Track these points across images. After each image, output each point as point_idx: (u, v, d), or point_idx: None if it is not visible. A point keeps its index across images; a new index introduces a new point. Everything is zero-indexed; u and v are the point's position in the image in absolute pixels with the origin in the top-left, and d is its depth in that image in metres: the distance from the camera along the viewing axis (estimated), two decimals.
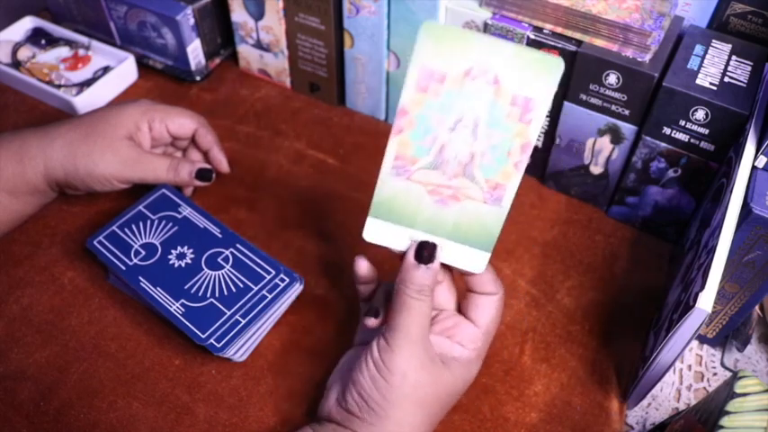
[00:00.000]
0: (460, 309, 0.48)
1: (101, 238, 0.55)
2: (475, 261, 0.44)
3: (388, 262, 0.50)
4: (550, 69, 0.39)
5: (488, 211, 0.43)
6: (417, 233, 0.44)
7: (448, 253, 0.44)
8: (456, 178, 0.42)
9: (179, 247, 0.55)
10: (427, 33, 0.39)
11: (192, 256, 0.55)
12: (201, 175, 0.59)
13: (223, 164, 0.62)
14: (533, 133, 0.41)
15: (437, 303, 0.48)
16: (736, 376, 0.40)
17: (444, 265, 0.45)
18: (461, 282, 0.47)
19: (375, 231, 0.44)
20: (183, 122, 0.60)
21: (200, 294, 0.52)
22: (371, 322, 0.45)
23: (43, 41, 0.77)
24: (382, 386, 0.42)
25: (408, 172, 0.43)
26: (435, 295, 0.47)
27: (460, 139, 0.41)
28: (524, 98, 0.40)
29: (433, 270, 0.43)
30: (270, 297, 0.52)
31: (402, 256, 0.44)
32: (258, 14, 0.70)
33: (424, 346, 0.43)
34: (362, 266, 0.47)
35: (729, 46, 0.55)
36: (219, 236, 0.56)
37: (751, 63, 0.54)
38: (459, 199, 0.43)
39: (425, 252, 0.43)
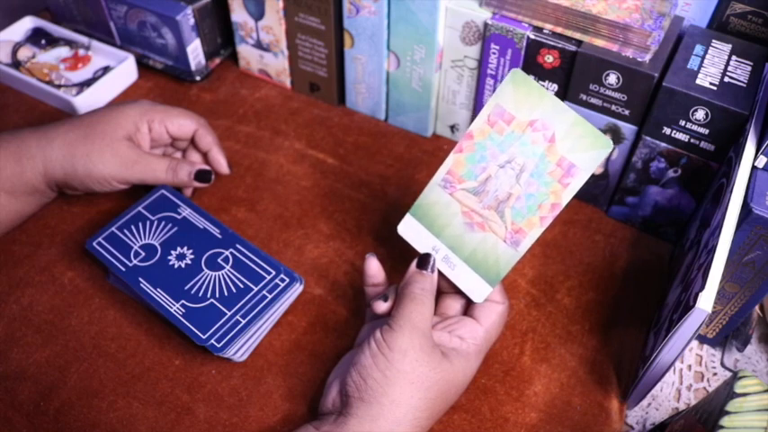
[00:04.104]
0: (466, 312, 0.50)
1: (100, 239, 0.55)
2: (478, 290, 0.48)
3: (387, 261, 0.50)
4: (599, 146, 0.44)
5: (504, 251, 0.46)
6: (441, 245, 0.48)
7: (459, 273, 0.48)
8: (488, 210, 0.47)
9: (179, 248, 0.55)
10: (512, 79, 0.45)
11: (192, 256, 0.55)
12: (200, 176, 0.59)
13: (222, 165, 0.62)
14: (566, 197, 0.45)
15: (449, 311, 0.50)
16: (736, 376, 0.40)
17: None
18: None
19: (408, 228, 0.50)
20: (182, 123, 0.60)
21: (200, 295, 0.52)
22: (381, 306, 0.47)
23: (43, 41, 0.77)
24: (382, 363, 0.43)
25: (453, 188, 0.48)
26: (448, 305, 0.50)
27: (506, 177, 0.46)
28: (569, 163, 0.44)
29: (431, 277, 0.47)
30: (270, 297, 0.52)
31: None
32: (258, 14, 0.70)
33: (424, 332, 0.45)
34: (373, 265, 0.50)
35: (729, 46, 0.55)
36: (219, 236, 0.56)
37: (751, 63, 0.54)
38: (485, 229, 0.47)
39: (427, 262, 0.48)
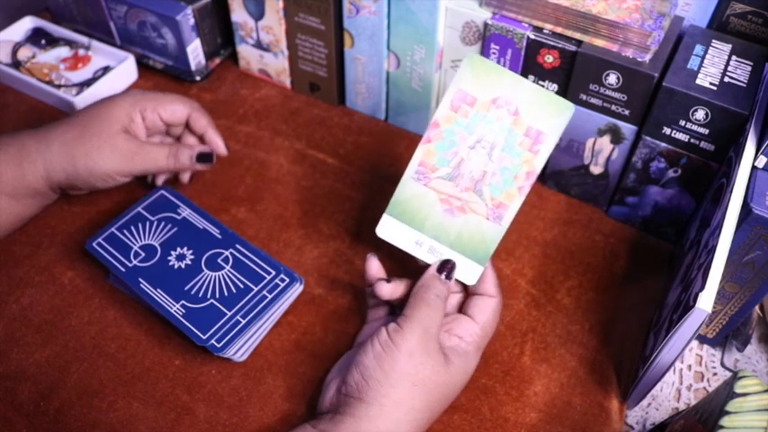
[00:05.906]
0: (461, 309, 0.50)
1: (100, 239, 0.55)
2: (469, 272, 0.48)
3: (388, 261, 0.50)
4: (562, 111, 0.47)
5: (489, 227, 0.48)
6: (424, 237, 0.48)
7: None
8: (466, 192, 0.47)
9: (178, 249, 0.55)
10: (469, 63, 0.47)
11: (192, 257, 0.55)
12: (202, 158, 0.59)
13: (220, 146, 0.60)
14: (539, 163, 0.47)
15: (446, 309, 0.50)
16: (736, 376, 0.40)
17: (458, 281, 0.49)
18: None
19: (387, 228, 0.49)
20: (175, 109, 0.59)
21: (200, 295, 0.52)
22: (384, 288, 0.48)
23: (43, 41, 0.77)
24: (386, 363, 0.43)
25: (427, 179, 0.48)
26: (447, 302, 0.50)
27: (477, 157, 0.47)
28: (536, 131, 0.47)
29: (448, 285, 0.47)
30: (270, 297, 0.52)
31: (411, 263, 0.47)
32: (258, 14, 0.70)
33: (433, 336, 0.45)
34: (373, 266, 0.50)
35: (729, 46, 0.55)
36: (219, 236, 0.56)
37: (751, 63, 0.54)
38: (466, 211, 0.48)
39: (447, 268, 0.48)
